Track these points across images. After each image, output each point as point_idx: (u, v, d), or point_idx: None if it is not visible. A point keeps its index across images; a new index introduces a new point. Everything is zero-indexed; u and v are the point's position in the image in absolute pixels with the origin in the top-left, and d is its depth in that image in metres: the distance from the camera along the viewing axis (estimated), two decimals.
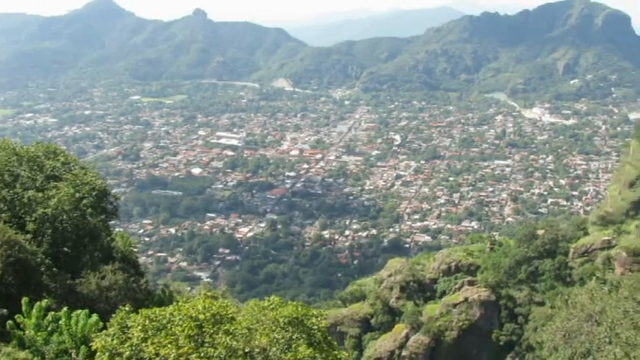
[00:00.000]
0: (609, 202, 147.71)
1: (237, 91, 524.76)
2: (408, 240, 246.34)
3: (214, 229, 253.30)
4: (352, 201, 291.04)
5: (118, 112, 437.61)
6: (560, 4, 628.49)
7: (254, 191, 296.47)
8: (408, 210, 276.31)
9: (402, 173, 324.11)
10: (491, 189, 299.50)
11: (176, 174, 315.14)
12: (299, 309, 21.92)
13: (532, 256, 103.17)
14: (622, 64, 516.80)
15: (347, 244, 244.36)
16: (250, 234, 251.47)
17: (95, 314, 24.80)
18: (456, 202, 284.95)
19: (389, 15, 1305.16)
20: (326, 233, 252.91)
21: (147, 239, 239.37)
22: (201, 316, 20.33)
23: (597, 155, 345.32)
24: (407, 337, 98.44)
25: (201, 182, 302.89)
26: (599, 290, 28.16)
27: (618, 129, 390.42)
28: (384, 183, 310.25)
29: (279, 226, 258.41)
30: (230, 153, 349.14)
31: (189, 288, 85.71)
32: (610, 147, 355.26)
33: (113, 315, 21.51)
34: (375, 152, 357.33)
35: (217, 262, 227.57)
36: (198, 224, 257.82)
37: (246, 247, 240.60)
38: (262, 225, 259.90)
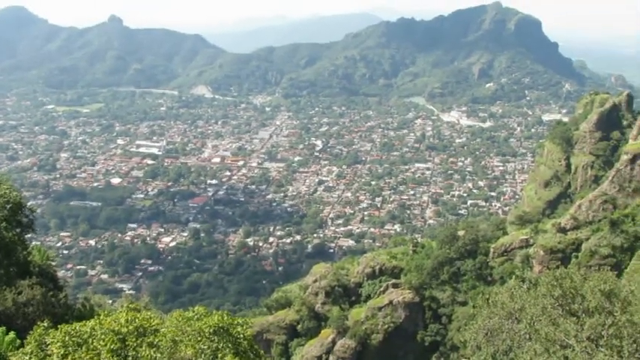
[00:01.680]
0: (526, 202, 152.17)
1: (155, 98, 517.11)
2: (332, 245, 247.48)
3: (136, 240, 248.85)
4: (275, 207, 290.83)
5: (32, 121, 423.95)
6: (474, 9, 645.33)
7: (176, 200, 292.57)
8: (331, 215, 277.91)
9: (324, 178, 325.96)
10: (412, 192, 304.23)
11: (95, 184, 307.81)
12: (224, 318, 21.69)
13: (454, 257, 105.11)
14: (534, 67, 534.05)
15: (271, 250, 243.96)
16: (173, 244, 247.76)
17: (12, 332, 24.01)
18: (379, 205, 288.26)
19: (307, 21, 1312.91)
20: (250, 241, 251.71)
21: (65, 252, 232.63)
22: (124, 330, 19.86)
23: (513, 157, 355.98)
24: (333, 342, 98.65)
25: (121, 192, 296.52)
26: (518, 288, 28.85)
27: (533, 130, 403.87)
28: (306, 189, 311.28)
29: (202, 235, 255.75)
30: (150, 162, 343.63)
31: (110, 301, 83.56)
32: (525, 148, 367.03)
33: (31, 332, 20.82)
34: (297, 158, 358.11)
35: (139, 274, 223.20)
36: (119, 235, 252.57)
37: (169, 257, 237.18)
38: (185, 234, 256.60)
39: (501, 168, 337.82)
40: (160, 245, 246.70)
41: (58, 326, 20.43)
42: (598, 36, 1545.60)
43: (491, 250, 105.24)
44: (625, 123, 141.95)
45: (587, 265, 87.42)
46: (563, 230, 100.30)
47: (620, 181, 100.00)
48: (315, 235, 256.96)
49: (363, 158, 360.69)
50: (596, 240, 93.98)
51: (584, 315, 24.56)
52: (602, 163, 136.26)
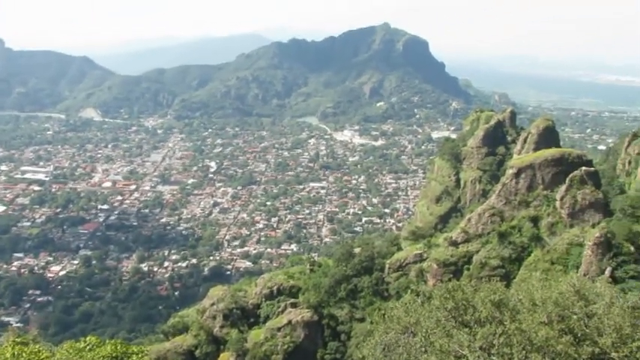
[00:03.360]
0: (419, 218, 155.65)
1: (41, 122, 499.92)
2: (229, 267, 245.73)
3: (23, 270, 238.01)
4: (170, 231, 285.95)
5: None
6: (364, 30, 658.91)
7: (65, 227, 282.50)
8: (227, 237, 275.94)
9: (219, 200, 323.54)
10: (308, 211, 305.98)
11: None
12: (118, 347, 21.18)
13: (351, 274, 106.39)
14: (423, 87, 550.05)
15: (167, 275, 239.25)
16: (63, 272, 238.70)
17: None
18: (275, 226, 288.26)
19: (198, 42, 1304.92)
20: (144, 266, 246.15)
21: None
22: None
23: (405, 173, 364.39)
24: None
25: (6, 220, 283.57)
26: (413, 302, 29.44)
27: (423, 147, 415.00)
28: (201, 211, 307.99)
29: (94, 262, 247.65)
30: (37, 188, 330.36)
31: None
32: (416, 165, 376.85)
33: None
34: (191, 180, 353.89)
35: (27, 305, 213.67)
36: (5, 266, 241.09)
37: (59, 287, 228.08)
38: (76, 262, 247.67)
39: (394, 185, 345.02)
40: (49, 275, 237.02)
41: None
42: (482, 56, 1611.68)
43: (387, 265, 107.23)
44: (509, 138, 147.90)
45: (478, 276, 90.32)
46: (454, 244, 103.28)
47: (506, 195, 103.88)
48: (211, 257, 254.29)
49: (258, 179, 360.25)
50: (485, 252, 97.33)
51: (476, 325, 25.32)
52: (489, 177, 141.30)
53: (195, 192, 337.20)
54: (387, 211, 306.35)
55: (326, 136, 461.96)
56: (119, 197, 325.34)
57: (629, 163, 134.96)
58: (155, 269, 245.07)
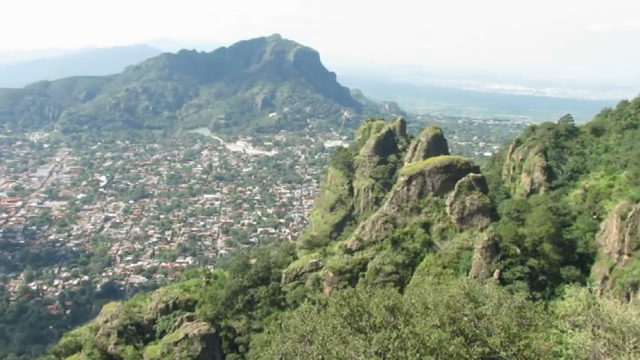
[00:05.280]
0: (314, 227, 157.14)
1: None
2: (123, 282, 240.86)
3: None
4: (60, 248, 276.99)
5: None
6: (255, 41, 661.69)
7: None
8: (120, 252, 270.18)
9: (110, 215, 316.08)
10: (202, 223, 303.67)
11: None
12: None
13: (247, 285, 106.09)
14: (315, 97, 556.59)
15: (57, 293, 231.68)
16: None
17: None
18: (169, 239, 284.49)
19: (83, 53, 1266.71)
20: (33, 285, 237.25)
21: None
22: None
23: (299, 183, 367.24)
24: None
25: None
26: (309, 311, 29.70)
27: (316, 157, 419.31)
28: (92, 226, 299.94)
29: None
30: None
31: None
32: (310, 174, 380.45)
33: None
34: (80, 195, 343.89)
35: None
36: None
37: None
38: None
39: (288, 195, 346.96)
40: None
41: None
42: (372, 66, 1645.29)
43: (283, 275, 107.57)
44: (400, 147, 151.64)
45: (373, 282, 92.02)
46: (349, 251, 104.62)
47: (398, 202, 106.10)
48: (103, 273, 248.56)
49: (151, 192, 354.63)
50: (380, 258, 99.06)
51: (371, 331, 25.76)
52: (381, 185, 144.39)
53: (86, 207, 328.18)
54: (282, 221, 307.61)
55: (219, 148, 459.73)
56: (4, 214, 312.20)
57: (514, 168, 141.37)
58: (45, 288, 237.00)
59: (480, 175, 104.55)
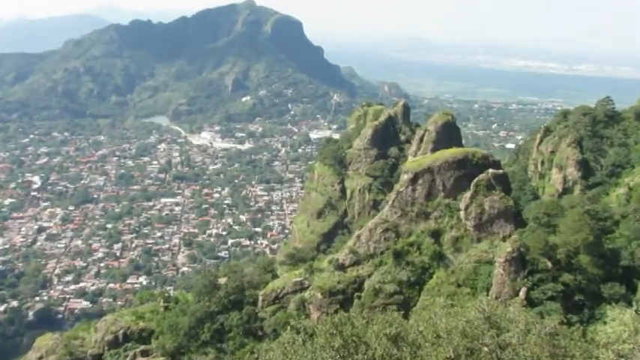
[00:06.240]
0: (297, 237, 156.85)
1: None
2: (61, 309, 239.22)
3: None
4: None
5: None
6: (223, 9, 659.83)
7: None
8: (57, 271, 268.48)
9: (45, 224, 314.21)
10: (159, 234, 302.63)
11: None
12: None
13: (216, 310, 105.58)
14: (298, 77, 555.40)
15: None
16: None
17: None
18: (118, 254, 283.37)
19: (13, 26, 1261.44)
20: None
21: None
22: None
23: (279, 183, 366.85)
24: None
25: None
26: (292, 342, 29.44)
27: (300, 151, 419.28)
28: (23, 239, 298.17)
29: None
30: None
31: None
32: (293, 172, 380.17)
33: None
34: (8, 201, 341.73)
35: None
36: None
37: None
38: None
39: (266, 198, 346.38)
40: None
41: None
42: (366, 40, 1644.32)
43: (260, 297, 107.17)
44: (403, 137, 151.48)
45: (371, 305, 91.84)
46: (341, 267, 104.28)
47: (401, 205, 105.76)
48: (37, 298, 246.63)
49: (95, 195, 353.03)
50: (379, 276, 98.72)
51: None
52: (380, 184, 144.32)
53: (14, 215, 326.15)
54: (258, 230, 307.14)
55: (180, 140, 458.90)
56: None
57: (542, 163, 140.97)
58: None
59: (501, 171, 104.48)
